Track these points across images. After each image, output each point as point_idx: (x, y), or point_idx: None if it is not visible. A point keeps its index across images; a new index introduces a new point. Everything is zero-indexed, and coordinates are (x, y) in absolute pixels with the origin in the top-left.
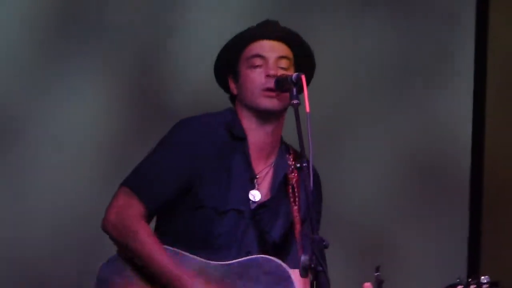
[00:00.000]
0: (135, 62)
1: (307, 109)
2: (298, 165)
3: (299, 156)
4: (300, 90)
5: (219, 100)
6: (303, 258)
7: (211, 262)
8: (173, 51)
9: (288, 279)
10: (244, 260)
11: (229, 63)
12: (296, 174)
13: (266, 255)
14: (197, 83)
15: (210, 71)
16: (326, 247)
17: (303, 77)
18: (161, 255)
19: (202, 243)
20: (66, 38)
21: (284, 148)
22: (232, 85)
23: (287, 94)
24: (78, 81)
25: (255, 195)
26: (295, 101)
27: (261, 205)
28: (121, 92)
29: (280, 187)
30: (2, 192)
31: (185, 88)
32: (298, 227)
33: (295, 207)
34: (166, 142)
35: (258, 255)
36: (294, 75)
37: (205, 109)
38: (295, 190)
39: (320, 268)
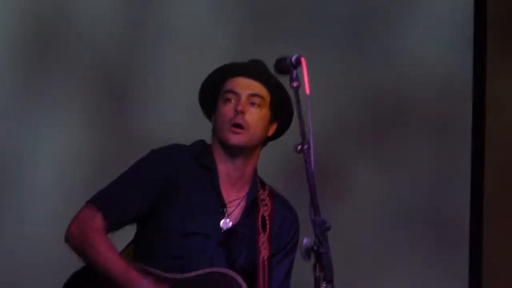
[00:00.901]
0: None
1: (307, 91)
2: (298, 147)
3: (302, 136)
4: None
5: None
6: (306, 241)
7: (168, 274)
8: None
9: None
10: (200, 272)
11: (211, 98)
12: (269, 207)
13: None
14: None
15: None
16: (328, 229)
17: (303, 59)
18: (114, 263)
19: (165, 263)
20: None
21: (259, 181)
22: (213, 121)
23: (257, 132)
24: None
25: (225, 223)
26: (294, 84)
27: (229, 231)
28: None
29: (249, 216)
30: None
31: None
32: (264, 255)
33: (261, 236)
34: (135, 165)
35: (216, 269)
36: (294, 56)
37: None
38: (266, 221)
39: (323, 251)
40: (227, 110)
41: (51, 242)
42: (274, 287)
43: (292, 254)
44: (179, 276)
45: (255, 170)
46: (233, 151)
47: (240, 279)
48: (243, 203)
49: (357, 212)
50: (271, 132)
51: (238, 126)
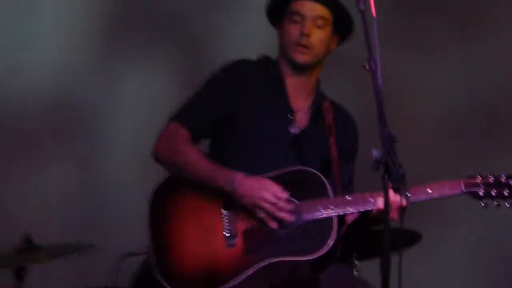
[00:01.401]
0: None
1: (374, 14)
2: (366, 65)
3: (369, 54)
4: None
5: None
6: (375, 152)
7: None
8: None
9: (324, 185)
10: (280, 171)
11: (277, 12)
12: (332, 116)
13: None
14: None
15: None
16: (395, 141)
17: None
18: (205, 163)
19: (240, 166)
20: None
21: (321, 92)
22: (278, 32)
23: (321, 50)
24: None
25: (293, 128)
26: (361, 6)
27: (298, 135)
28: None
29: (316, 122)
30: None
31: None
32: (335, 155)
33: (332, 138)
34: (209, 78)
35: (297, 167)
36: None
37: None
38: (332, 127)
39: (391, 162)
40: (293, 30)
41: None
42: (342, 189)
43: (354, 159)
44: (261, 176)
45: (318, 81)
46: (299, 67)
47: (320, 174)
48: (309, 111)
49: None
50: (332, 46)
51: (304, 46)
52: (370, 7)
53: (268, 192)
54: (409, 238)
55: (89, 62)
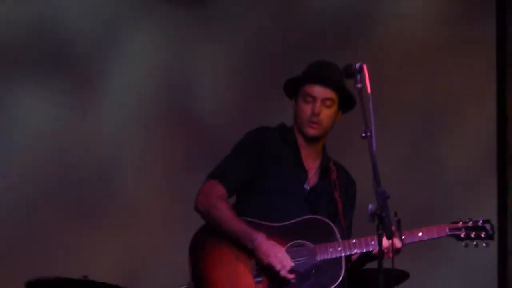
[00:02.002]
0: None
1: (369, 91)
2: (363, 134)
3: (365, 125)
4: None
5: None
6: (371, 206)
7: (272, 224)
8: None
9: (333, 230)
10: (297, 219)
11: (293, 90)
12: (335, 173)
13: None
14: None
15: None
16: (388, 197)
17: (365, 67)
18: (235, 221)
19: (267, 215)
20: None
21: (326, 155)
22: (293, 104)
23: (328, 124)
24: None
25: (307, 185)
26: (359, 85)
27: (310, 190)
28: None
29: (323, 180)
30: None
31: None
32: (340, 206)
33: (337, 192)
34: (238, 144)
35: (310, 216)
36: (358, 64)
37: None
38: (336, 183)
39: (384, 214)
40: (306, 108)
41: None
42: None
43: (353, 208)
44: (280, 224)
45: (324, 146)
46: (310, 139)
47: (330, 222)
48: (318, 171)
49: None
50: (337, 119)
51: (315, 123)
52: (366, 85)
53: (276, 260)
54: (399, 276)
55: None
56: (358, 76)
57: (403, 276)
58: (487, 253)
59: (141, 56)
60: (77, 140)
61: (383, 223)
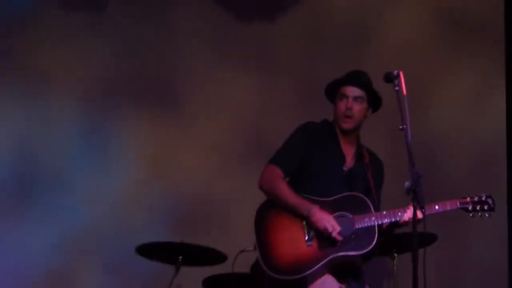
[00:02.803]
0: None
1: (404, 92)
2: (400, 127)
3: (402, 120)
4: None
5: None
6: (407, 184)
7: (319, 198)
8: None
9: (368, 204)
10: (339, 196)
11: (333, 92)
12: (367, 157)
13: None
14: None
15: None
16: (420, 176)
17: (401, 73)
18: (293, 196)
19: (316, 192)
20: None
21: (360, 143)
22: (333, 106)
23: (359, 118)
24: None
25: (345, 167)
26: (396, 88)
27: (348, 171)
28: None
29: (358, 163)
30: None
31: None
32: (372, 184)
33: (369, 173)
34: (291, 136)
35: (349, 193)
36: (396, 72)
37: None
38: (368, 165)
39: (418, 190)
40: (341, 106)
41: None
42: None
43: (381, 186)
44: (326, 199)
45: (358, 136)
46: (345, 132)
47: (366, 198)
48: (354, 156)
49: None
50: (367, 114)
51: (348, 117)
52: (402, 87)
53: (329, 224)
54: (429, 238)
55: None
56: (396, 81)
57: (433, 238)
58: (500, 223)
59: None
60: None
61: (416, 197)
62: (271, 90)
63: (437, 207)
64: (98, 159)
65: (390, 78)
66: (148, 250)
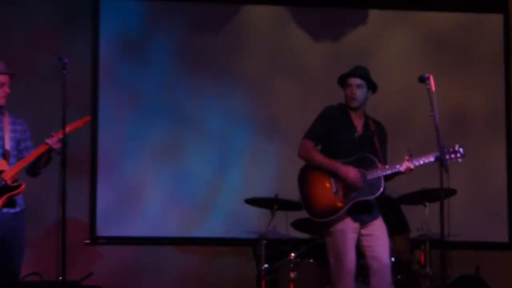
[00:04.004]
0: None
1: (433, 89)
2: (431, 114)
3: (432, 108)
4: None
5: None
6: (435, 154)
7: (342, 160)
8: None
9: (375, 161)
10: (355, 156)
11: (342, 81)
12: (373, 125)
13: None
14: None
15: None
16: (444, 148)
17: (431, 76)
18: (324, 159)
19: (337, 155)
20: None
21: (367, 115)
22: (344, 91)
23: (362, 99)
24: None
25: (357, 133)
26: (428, 86)
27: (359, 137)
28: None
29: (366, 130)
30: None
31: None
32: (378, 145)
33: (375, 137)
34: (318, 116)
35: (362, 154)
36: (427, 74)
37: None
38: (374, 131)
39: (443, 158)
40: (348, 91)
41: None
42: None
43: (386, 145)
44: (347, 159)
45: (364, 110)
46: (353, 108)
47: (374, 157)
48: (363, 126)
49: None
50: (368, 96)
51: (353, 99)
52: (431, 86)
53: (354, 174)
54: (450, 192)
55: None
56: (427, 81)
57: (453, 191)
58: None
59: None
60: None
61: (443, 163)
62: None
63: (422, 160)
64: None
65: (423, 79)
66: (254, 201)
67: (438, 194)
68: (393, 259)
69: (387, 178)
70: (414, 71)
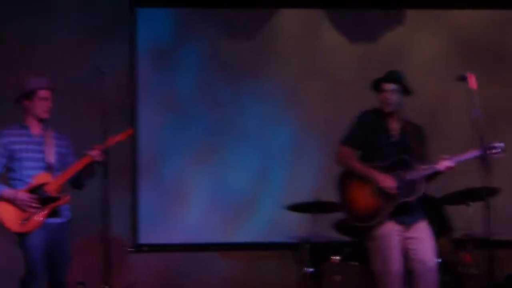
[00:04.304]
0: None
1: (475, 87)
2: (473, 112)
3: (474, 106)
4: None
5: None
6: (478, 151)
7: (379, 164)
8: None
9: (412, 163)
10: (393, 159)
11: (376, 88)
12: (410, 128)
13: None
14: None
15: None
16: (487, 146)
17: (472, 75)
18: (360, 166)
19: (375, 159)
20: None
21: (403, 118)
22: (378, 96)
23: (396, 103)
24: None
25: (392, 138)
26: (468, 85)
27: (395, 142)
28: None
29: (403, 134)
30: None
31: None
32: (414, 146)
33: (412, 140)
34: (355, 120)
35: (399, 156)
36: (468, 73)
37: None
38: (411, 134)
39: (486, 155)
40: (383, 96)
41: None
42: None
43: (425, 145)
44: (384, 164)
45: (400, 114)
46: (388, 113)
47: (411, 159)
48: (399, 129)
49: None
50: (402, 99)
51: (388, 104)
52: (472, 84)
53: (388, 184)
54: (493, 191)
55: None
56: (467, 80)
57: (497, 190)
58: None
59: None
60: None
61: (484, 160)
62: None
63: (464, 156)
64: None
65: (463, 78)
66: (295, 208)
67: (482, 193)
68: (439, 259)
69: (429, 179)
70: (449, 70)
